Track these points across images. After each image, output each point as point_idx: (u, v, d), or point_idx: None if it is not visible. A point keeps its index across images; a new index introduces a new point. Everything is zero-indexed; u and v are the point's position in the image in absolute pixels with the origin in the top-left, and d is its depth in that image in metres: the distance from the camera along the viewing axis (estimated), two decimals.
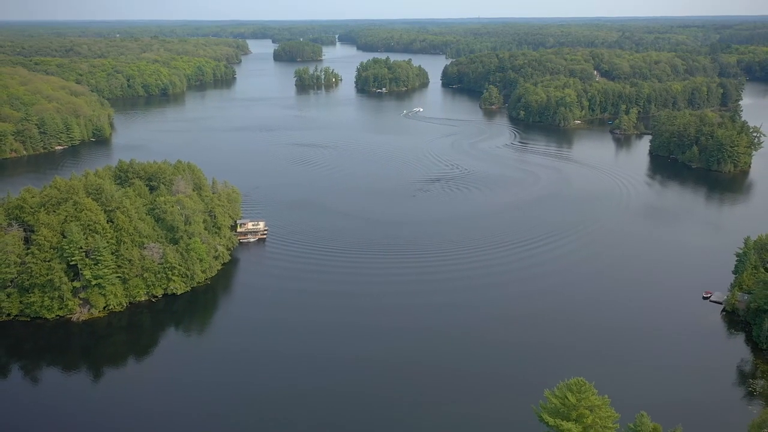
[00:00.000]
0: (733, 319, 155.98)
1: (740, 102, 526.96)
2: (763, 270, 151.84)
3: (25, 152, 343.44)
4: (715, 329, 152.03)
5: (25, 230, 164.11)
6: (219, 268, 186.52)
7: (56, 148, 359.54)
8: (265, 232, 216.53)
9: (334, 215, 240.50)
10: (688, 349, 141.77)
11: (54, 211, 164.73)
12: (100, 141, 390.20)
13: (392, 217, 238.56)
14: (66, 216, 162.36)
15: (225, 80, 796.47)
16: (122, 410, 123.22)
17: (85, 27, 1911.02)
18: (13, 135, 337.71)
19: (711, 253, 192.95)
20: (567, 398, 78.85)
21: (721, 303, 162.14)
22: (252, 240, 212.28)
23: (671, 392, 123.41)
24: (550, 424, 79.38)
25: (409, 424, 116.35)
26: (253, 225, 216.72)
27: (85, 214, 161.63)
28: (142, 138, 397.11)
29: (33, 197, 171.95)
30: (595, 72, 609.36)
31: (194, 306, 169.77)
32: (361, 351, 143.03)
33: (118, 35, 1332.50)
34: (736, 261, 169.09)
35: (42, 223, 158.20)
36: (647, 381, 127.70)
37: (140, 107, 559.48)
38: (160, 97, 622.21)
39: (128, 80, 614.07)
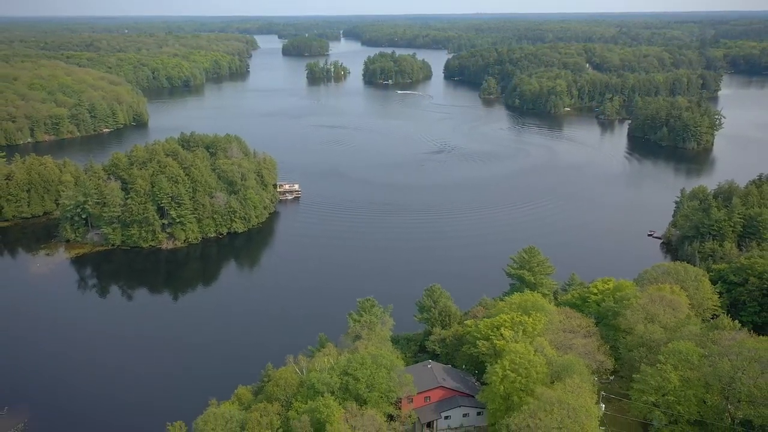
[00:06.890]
0: (668, 248, 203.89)
1: (719, 92, 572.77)
2: (687, 209, 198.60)
3: (78, 134, 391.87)
4: (652, 253, 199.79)
5: (120, 182, 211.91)
6: (267, 216, 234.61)
7: (104, 130, 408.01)
8: (299, 192, 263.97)
9: (353, 181, 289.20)
10: (627, 262, 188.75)
11: (143, 167, 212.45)
12: (140, 125, 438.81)
13: (403, 182, 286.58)
14: (153, 171, 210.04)
15: (239, 73, 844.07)
16: (197, 319, 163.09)
17: (92, 23, 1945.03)
18: (68, 118, 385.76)
19: (660, 205, 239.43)
20: (523, 257, 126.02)
21: (660, 238, 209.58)
22: (289, 198, 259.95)
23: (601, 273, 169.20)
24: (512, 273, 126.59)
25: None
26: (289, 186, 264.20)
27: (169, 169, 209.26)
28: (176, 122, 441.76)
29: (122, 159, 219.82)
30: (587, 65, 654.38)
31: (250, 242, 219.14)
32: (368, 262, 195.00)
33: (126, 31, 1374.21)
34: (675, 207, 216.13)
35: (137, 176, 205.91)
36: (585, 267, 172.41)
37: (165, 97, 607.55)
38: (182, 88, 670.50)
39: (153, 72, 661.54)
